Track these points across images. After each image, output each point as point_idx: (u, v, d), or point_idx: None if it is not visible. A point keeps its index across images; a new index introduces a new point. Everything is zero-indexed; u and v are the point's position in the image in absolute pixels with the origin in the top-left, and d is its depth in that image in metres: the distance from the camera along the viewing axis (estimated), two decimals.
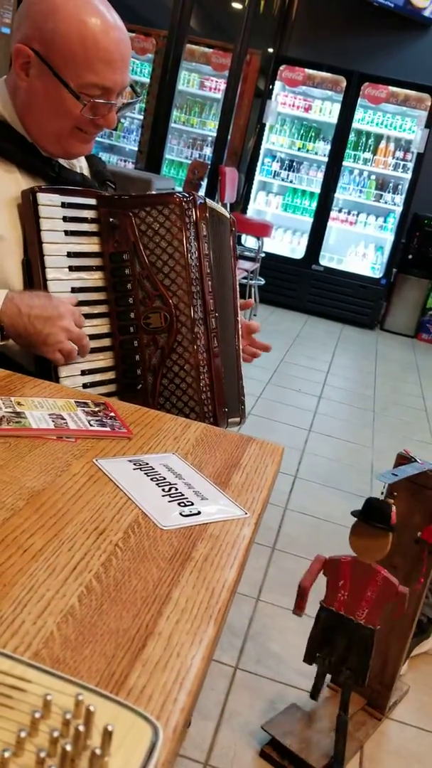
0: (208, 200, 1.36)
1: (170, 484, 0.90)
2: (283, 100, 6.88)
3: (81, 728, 0.41)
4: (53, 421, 0.98)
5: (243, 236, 6.60)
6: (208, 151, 7.35)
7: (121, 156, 7.65)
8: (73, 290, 1.27)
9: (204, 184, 6.81)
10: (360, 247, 7.01)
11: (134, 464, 0.93)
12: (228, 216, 1.46)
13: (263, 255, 6.27)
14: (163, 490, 0.88)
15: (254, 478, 0.99)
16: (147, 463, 0.94)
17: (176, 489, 0.89)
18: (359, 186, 6.87)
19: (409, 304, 6.98)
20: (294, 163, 7.00)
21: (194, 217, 1.32)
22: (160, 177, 6.22)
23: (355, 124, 6.69)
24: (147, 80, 7.20)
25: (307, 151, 6.92)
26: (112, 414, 1.06)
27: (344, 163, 6.77)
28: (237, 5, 7.84)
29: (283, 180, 7.06)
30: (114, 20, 1.22)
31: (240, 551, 0.79)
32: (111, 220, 1.30)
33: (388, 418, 4.37)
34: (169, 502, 0.86)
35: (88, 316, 1.27)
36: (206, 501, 0.88)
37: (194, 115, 7.39)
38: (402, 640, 1.78)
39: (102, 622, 0.63)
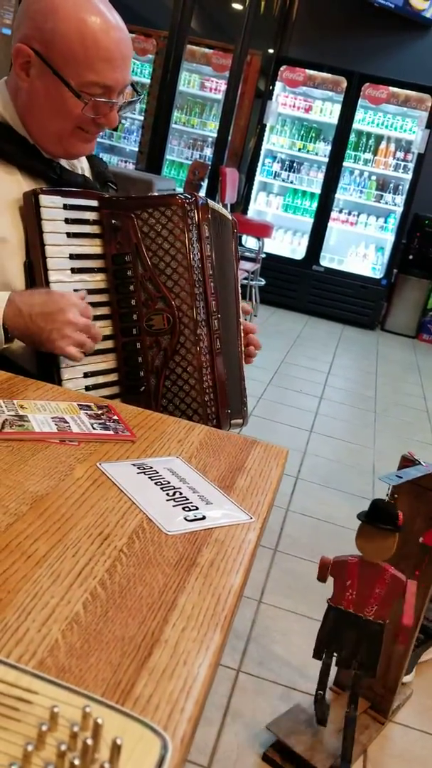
0: (210, 201, 1.36)
1: (174, 488, 0.89)
2: (283, 101, 6.88)
3: (89, 741, 0.40)
4: (56, 425, 0.98)
5: (243, 237, 6.59)
6: (208, 151, 7.35)
7: (121, 157, 7.64)
8: (76, 292, 1.26)
9: (204, 184, 6.80)
10: (360, 248, 7.00)
11: (138, 468, 0.93)
12: (230, 218, 1.46)
13: (264, 256, 6.26)
14: (168, 494, 0.87)
15: (259, 481, 0.98)
16: (151, 467, 0.93)
17: (180, 493, 0.88)
18: (360, 186, 6.86)
19: (410, 304, 6.98)
20: (294, 164, 6.99)
21: (196, 219, 1.32)
22: (160, 178, 6.21)
23: (355, 125, 6.69)
24: (147, 81, 7.20)
25: (308, 151, 6.91)
26: (116, 417, 1.06)
27: (345, 164, 6.76)
28: (237, 6, 7.83)
29: (283, 181, 7.05)
30: (114, 19, 1.22)
31: (246, 556, 0.79)
32: (113, 221, 1.29)
33: (389, 419, 4.36)
34: (174, 506, 0.85)
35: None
36: (211, 505, 0.87)
37: (195, 116, 7.38)
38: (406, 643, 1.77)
39: (107, 629, 0.62)
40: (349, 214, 6.95)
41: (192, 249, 1.31)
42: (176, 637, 0.63)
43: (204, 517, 0.84)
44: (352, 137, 6.73)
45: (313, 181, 6.92)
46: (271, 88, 6.82)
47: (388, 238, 6.89)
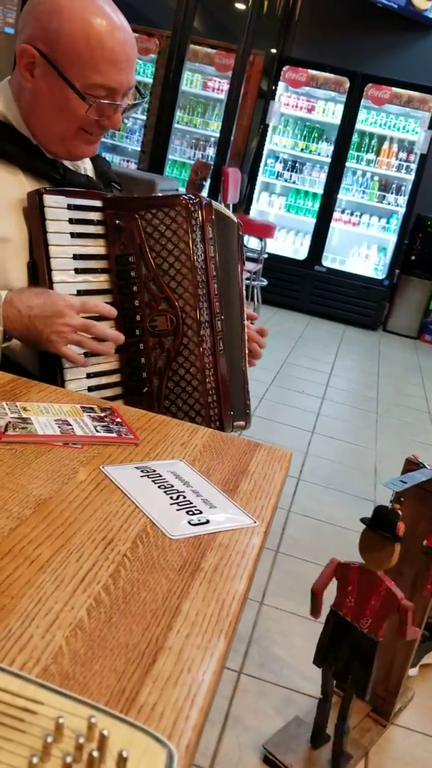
0: (214, 203, 1.35)
1: (178, 491, 0.89)
2: (286, 101, 6.87)
3: (95, 753, 0.40)
4: (59, 427, 0.97)
5: (246, 237, 6.57)
6: (211, 151, 7.34)
7: (123, 156, 7.64)
8: (79, 293, 1.26)
9: (207, 184, 6.79)
10: (363, 248, 7.00)
11: (141, 471, 0.92)
12: (235, 220, 1.45)
13: (266, 256, 6.26)
14: (171, 498, 0.87)
15: (263, 485, 0.97)
16: (154, 470, 0.93)
17: (184, 497, 0.88)
18: (362, 187, 6.86)
19: (412, 305, 6.97)
20: (297, 164, 6.98)
21: (200, 220, 1.31)
22: (163, 178, 6.21)
23: (358, 125, 6.68)
24: (150, 81, 7.19)
25: (310, 152, 6.91)
26: (119, 419, 1.05)
27: (347, 164, 6.76)
28: (240, 6, 7.82)
29: (286, 181, 7.05)
30: (119, 21, 1.21)
31: (250, 561, 0.78)
32: (117, 222, 1.29)
33: (391, 420, 4.36)
34: (178, 510, 0.84)
35: (93, 319, 1.26)
36: (215, 509, 0.87)
37: (197, 116, 7.37)
38: (407, 646, 1.76)
39: (111, 636, 0.61)
40: (352, 214, 6.94)
41: (196, 250, 1.31)
42: (180, 644, 0.62)
43: (208, 522, 0.83)
44: (355, 138, 6.72)
45: (316, 182, 6.91)
46: (273, 88, 6.81)
47: (391, 239, 6.88)
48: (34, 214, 1.23)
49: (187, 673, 0.59)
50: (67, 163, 1.36)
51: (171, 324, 1.30)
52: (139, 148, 7.49)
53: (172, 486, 0.90)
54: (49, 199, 1.23)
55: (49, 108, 1.25)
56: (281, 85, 6.78)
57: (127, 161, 7.60)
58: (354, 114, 6.63)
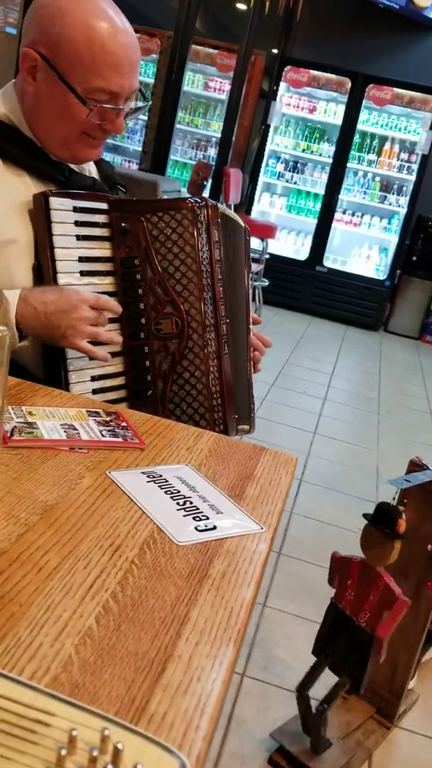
0: (220, 206, 1.35)
1: (185, 497, 0.88)
2: (287, 101, 6.86)
3: (109, 767, 0.40)
4: (65, 432, 0.97)
5: None
6: (212, 152, 7.33)
7: (125, 156, 7.63)
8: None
9: (208, 185, 6.79)
10: (364, 249, 6.99)
11: (148, 476, 0.92)
12: (242, 224, 1.44)
13: (267, 256, 6.25)
14: (178, 503, 0.87)
15: (269, 490, 0.97)
16: (160, 476, 0.93)
17: (191, 502, 0.88)
18: (363, 187, 6.85)
19: (413, 305, 6.96)
20: (298, 165, 6.98)
21: (206, 223, 1.31)
22: (165, 179, 6.20)
23: (359, 126, 6.67)
24: (151, 81, 7.19)
25: (312, 152, 6.90)
26: (124, 424, 1.05)
27: (349, 165, 6.75)
28: (242, 6, 7.82)
29: (287, 181, 7.04)
30: (122, 24, 1.20)
31: (257, 568, 0.78)
32: (123, 224, 1.28)
33: (393, 421, 4.35)
34: (184, 516, 0.84)
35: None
36: (221, 515, 0.86)
37: (198, 116, 7.37)
38: (412, 648, 1.76)
39: (120, 644, 0.61)
40: (353, 215, 6.94)
41: (202, 253, 1.30)
42: (189, 652, 0.62)
43: (215, 527, 0.83)
44: (356, 138, 6.72)
45: (317, 182, 6.91)
46: (275, 88, 6.80)
47: (392, 240, 6.87)
48: (40, 216, 1.22)
49: (196, 682, 0.59)
50: (72, 165, 1.35)
51: (176, 327, 1.30)
52: (140, 149, 7.48)
53: (179, 491, 0.90)
54: (55, 202, 1.22)
55: (51, 112, 1.24)
56: (283, 85, 6.77)
57: (129, 162, 7.59)
58: (355, 114, 6.62)
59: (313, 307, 6.88)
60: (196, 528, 0.82)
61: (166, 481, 0.91)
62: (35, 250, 1.24)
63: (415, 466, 1.70)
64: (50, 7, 1.19)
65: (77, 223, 1.25)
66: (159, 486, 0.90)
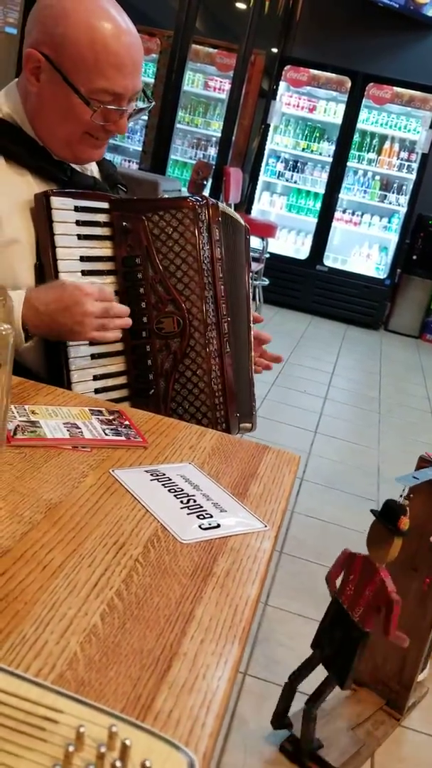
0: (221, 205, 1.35)
1: (188, 495, 0.89)
2: (287, 101, 6.86)
3: (118, 764, 0.40)
4: (68, 431, 0.97)
5: None
6: (212, 151, 7.34)
7: (125, 156, 7.63)
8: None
9: (208, 184, 6.79)
10: (364, 248, 6.99)
11: (151, 475, 0.92)
12: (242, 223, 1.44)
13: (267, 255, 6.26)
14: (182, 501, 0.87)
15: (272, 488, 0.97)
16: (164, 474, 0.93)
17: (194, 501, 0.88)
18: (363, 186, 6.85)
19: (414, 304, 6.97)
20: (298, 164, 6.98)
21: (207, 221, 1.31)
22: (166, 178, 6.20)
23: (359, 125, 6.68)
24: (151, 80, 7.18)
25: (312, 151, 6.90)
26: (127, 422, 1.05)
27: (348, 164, 6.75)
28: (241, 6, 7.82)
29: (287, 180, 7.04)
30: (126, 25, 1.20)
31: (261, 566, 0.78)
32: (124, 224, 1.28)
33: (394, 420, 4.36)
34: (188, 514, 0.84)
35: None
36: (225, 513, 0.87)
37: (198, 116, 7.37)
38: (420, 642, 1.77)
39: (125, 641, 0.61)
40: (353, 214, 6.94)
41: (203, 252, 1.30)
42: (195, 650, 0.62)
43: (219, 526, 0.83)
44: (356, 137, 6.72)
45: (317, 181, 6.91)
46: (275, 87, 6.81)
47: (392, 238, 6.87)
48: (42, 215, 1.22)
49: (202, 680, 0.59)
50: (73, 165, 1.35)
51: (178, 326, 1.30)
52: (140, 148, 7.48)
53: (182, 489, 0.90)
54: (56, 201, 1.22)
55: (54, 112, 1.24)
56: (282, 84, 6.78)
57: (129, 161, 7.59)
58: (355, 113, 6.62)
59: (313, 306, 6.88)
60: (200, 526, 0.82)
61: (170, 480, 0.91)
62: (36, 249, 1.24)
63: (424, 462, 1.71)
64: (54, 7, 1.18)
65: (78, 223, 1.25)
66: (162, 484, 0.90)
